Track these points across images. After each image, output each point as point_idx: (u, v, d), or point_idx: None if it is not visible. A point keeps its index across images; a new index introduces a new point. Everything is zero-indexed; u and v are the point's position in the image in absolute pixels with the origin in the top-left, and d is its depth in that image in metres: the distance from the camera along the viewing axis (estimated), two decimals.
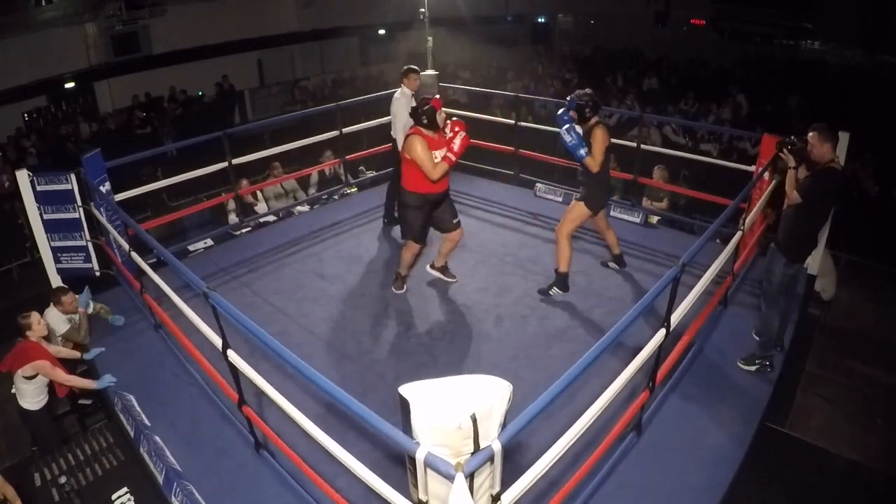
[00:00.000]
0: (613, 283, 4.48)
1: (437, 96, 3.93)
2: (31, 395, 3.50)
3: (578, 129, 4.00)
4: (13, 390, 3.54)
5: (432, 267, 4.55)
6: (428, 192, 3.99)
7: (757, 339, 3.72)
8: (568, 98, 4.09)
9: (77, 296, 4.10)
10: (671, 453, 3.01)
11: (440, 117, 3.87)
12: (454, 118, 3.98)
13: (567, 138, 3.96)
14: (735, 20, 14.53)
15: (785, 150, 3.46)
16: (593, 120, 4.02)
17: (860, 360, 4.32)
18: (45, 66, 10.41)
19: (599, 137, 3.95)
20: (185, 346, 3.42)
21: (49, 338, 3.78)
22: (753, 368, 3.58)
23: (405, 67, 5.12)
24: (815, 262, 4.34)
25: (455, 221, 4.25)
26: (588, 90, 4.06)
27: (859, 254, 5.47)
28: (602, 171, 4.07)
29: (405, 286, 4.48)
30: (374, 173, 6.56)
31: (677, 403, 3.33)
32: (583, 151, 3.96)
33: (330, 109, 5.95)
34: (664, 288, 2.61)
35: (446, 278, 4.54)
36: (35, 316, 3.54)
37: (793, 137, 3.51)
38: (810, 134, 3.28)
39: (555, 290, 4.28)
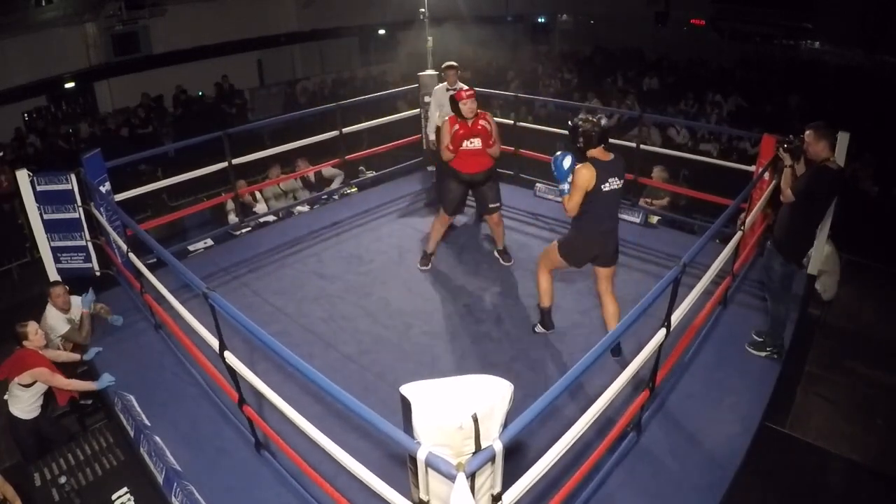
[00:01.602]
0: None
1: (463, 88, 4.40)
2: (24, 403, 3.49)
3: (569, 160, 3.27)
4: (6, 396, 3.53)
5: (496, 250, 4.88)
6: (457, 169, 4.45)
7: (758, 339, 3.74)
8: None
9: (71, 294, 4.10)
10: (671, 453, 3.02)
11: (464, 107, 4.29)
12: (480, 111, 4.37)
13: (554, 167, 3.31)
14: (735, 20, 14.52)
15: (781, 149, 3.49)
16: (589, 153, 3.27)
17: (860, 360, 4.30)
18: (45, 66, 10.38)
19: (577, 180, 3.24)
20: (185, 345, 3.42)
21: (48, 342, 3.78)
22: (763, 354, 3.67)
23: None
24: (815, 262, 4.35)
25: (492, 206, 4.54)
26: (586, 116, 3.31)
27: (859, 254, 5.46)
28: (582, 220, 3.39)
29: (430, 265, 4.79)
30: (374, 173, 6.56)
31: (677, 403, 3.34)
32: (563, 186, 3.31)
33: (330, 109, 5.94)
34: (665, 288, 2.62)
35: (502, 261, 4.81)
36: (33, 325, 3.53)
37: (791, 136, 3.53)
38: (806, 132, 3.31)
39: (538, 328, 3.93)
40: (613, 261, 3.55)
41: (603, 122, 3.29)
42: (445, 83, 5.42)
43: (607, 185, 3.28)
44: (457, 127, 4.31)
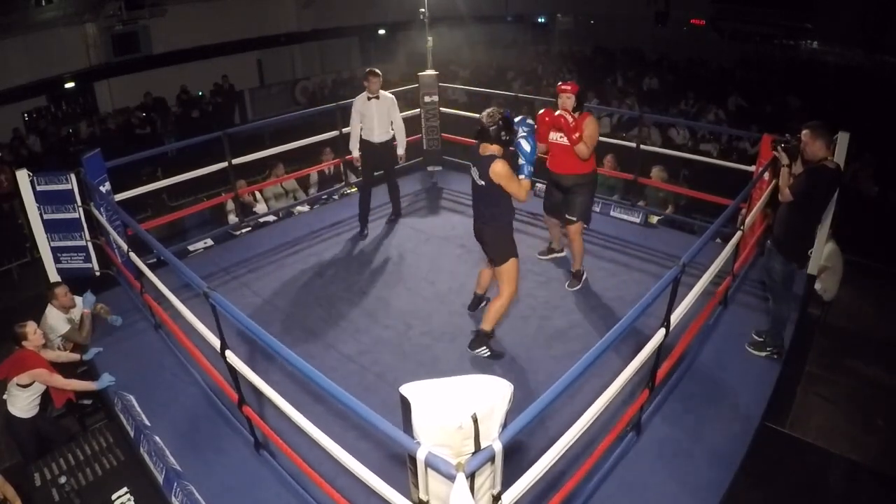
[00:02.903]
0: (613, 283, 4.48)
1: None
2: (22, 402, 3.49)
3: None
4: (5, 396, 3.54)
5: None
6: (548, 166, 4.37)
7: (758, 339, 3.74)
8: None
9: (73, 295, 4.09)
10: (671, 453, 3.02)
11: (559, 99, 4.14)
12: (557, 112, 4.11)
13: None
14: (735, 20, 14.54)
15: (778, 148, 3.49)
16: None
17: (860, 360, 4.31)
18: (45, 66, 10.39)
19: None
20: (185, 346, 3.42)
21: (48, 342, 3.77)
22: (763, 354, 3.66)
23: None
24: (815, 261, 4.35)
25: (567, 217, 4.31)
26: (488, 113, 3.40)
27: (859, 254, 5.46)
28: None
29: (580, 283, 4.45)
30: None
31: (677, 403, 3.33)
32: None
33: (330, 109, 5.94)
34: (664, 288, 2.62)
35: (567, 285, 4.46)
36: (31, 326, 3.53)
37: (787, 136, 3.54)
38: (803, 132, 3.31)
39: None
40: (493, 260, 3.67)
41: (484, 120, 3.38)
42: (366, 91, 5.05)
43: (472, 170, 3.54)
44: (542, 110, 4.14)
